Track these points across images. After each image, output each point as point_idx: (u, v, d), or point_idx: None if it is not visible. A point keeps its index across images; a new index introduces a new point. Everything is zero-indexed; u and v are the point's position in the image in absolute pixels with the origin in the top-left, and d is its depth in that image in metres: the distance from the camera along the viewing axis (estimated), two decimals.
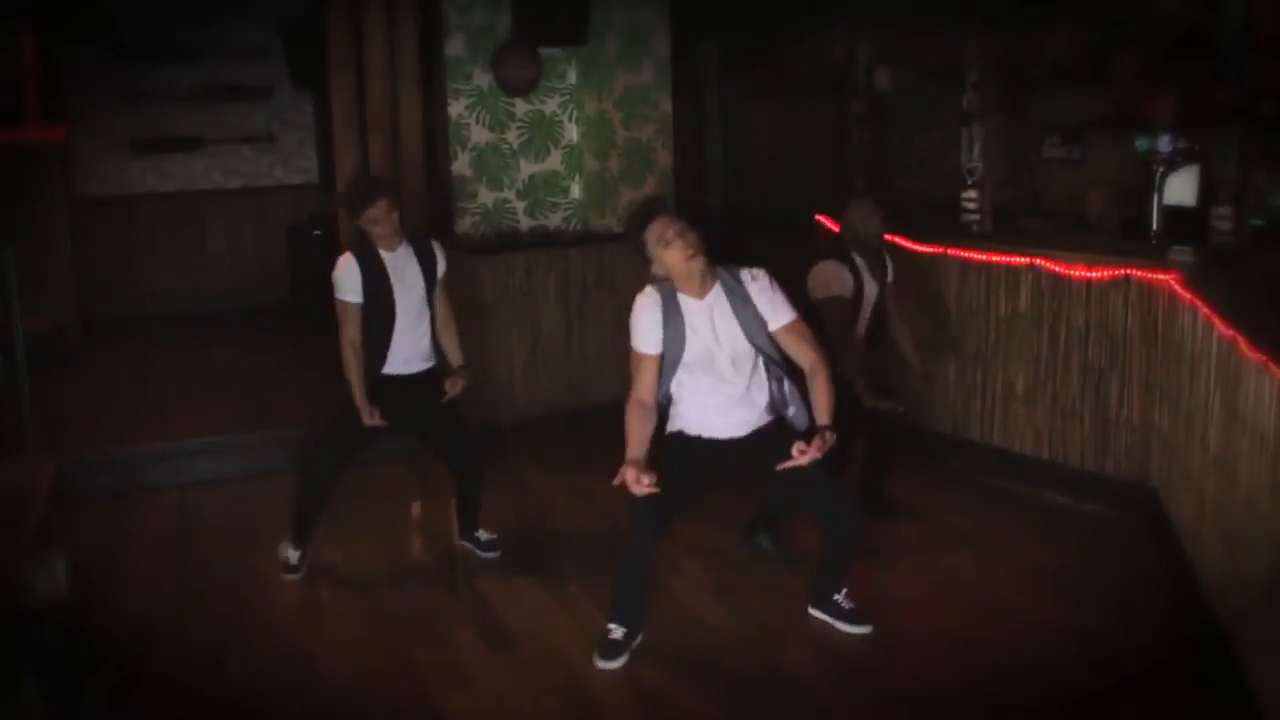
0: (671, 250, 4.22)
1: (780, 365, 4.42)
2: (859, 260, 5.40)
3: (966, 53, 6.61)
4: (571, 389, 7.44)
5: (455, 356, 5.33)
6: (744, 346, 4.32)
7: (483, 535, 5.55)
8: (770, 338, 4.34)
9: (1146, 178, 6.00)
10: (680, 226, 4.24)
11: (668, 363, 4.33)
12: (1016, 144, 7.62)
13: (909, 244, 6.66)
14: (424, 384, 5.23)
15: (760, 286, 4.34)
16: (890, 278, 5.59)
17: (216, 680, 4.40)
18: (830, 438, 4.22)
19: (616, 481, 4.11)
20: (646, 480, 4.08)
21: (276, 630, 4.78)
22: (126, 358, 8.99)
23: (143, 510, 6.16)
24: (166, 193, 10.70)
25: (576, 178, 7.80)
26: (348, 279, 5.00)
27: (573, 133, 7.75)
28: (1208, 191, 5.77)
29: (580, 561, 5.34)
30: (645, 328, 4.30)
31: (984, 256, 6.19)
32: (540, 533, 5.81)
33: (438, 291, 5.24)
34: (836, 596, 4.70)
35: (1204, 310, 4.66)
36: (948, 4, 7.69)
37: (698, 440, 4.44)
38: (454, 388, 5.21)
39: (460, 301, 7.20)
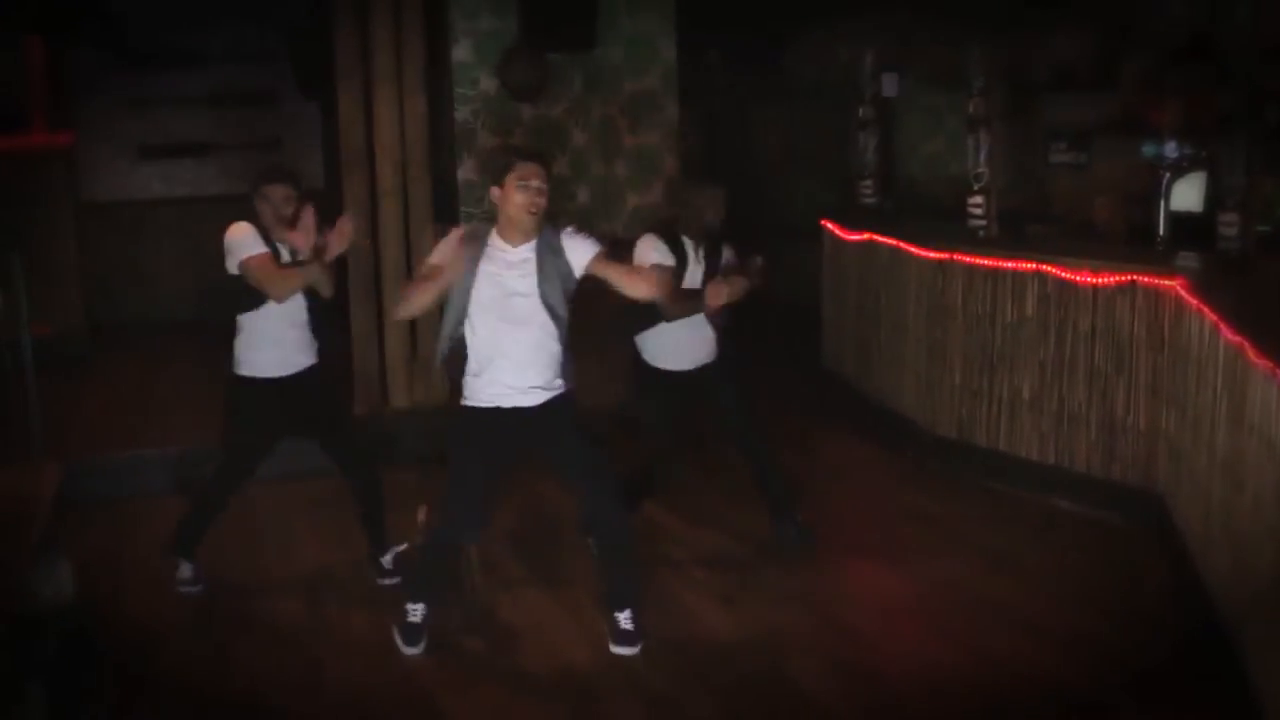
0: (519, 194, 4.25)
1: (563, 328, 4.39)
2: (687, 242, 5.24)
3: (972, 59, 6.60)
4: (577, 392, 7.41)
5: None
6: (534, 301, 4.31)
7: (386, 560, 5.29)
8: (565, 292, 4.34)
9: (1153, 183, 5.99)
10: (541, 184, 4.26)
11: (457, 304, 4.34)
12: (1022, 150, 7.63)
13: (915, 249, 6.66)
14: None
15: (569, 235, 4.39)
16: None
17: (221, 684, 4.40)
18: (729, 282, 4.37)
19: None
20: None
21: (280, 634, 4.78)
22: (132, 362, 9.00)
23: (148, 515, 6.16)
24: (173, 198, 10.72)
25: (583, 183, 7.80)
26: None
27: (579, 138, 7.76)
28: (1214, 197, 5.77)
29: (584, 565, 5.32)
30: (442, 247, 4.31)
31: (990, 262, 6.18)
32: (544, 537, 5.81)
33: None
34: (618, 615, 4.54)
35: (1210, 316, 4.65)
36: (953, 10, 7.70)
37: (491, 413, 4.37)
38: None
39: None
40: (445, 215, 7.57)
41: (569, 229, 4.42)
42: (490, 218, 4.49)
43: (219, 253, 4.87)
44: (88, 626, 4.24)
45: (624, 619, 4.53)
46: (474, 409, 4.39)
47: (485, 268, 4.30)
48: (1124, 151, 6.61)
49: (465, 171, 7.51)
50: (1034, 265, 5.97)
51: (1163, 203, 5.92)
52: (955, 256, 6.36)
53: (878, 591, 5.11)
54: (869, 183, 8.13)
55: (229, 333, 4.99)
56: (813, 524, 5.53)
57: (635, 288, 4.44)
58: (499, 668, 4.50)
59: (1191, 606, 4.68)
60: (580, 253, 4.34)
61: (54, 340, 8.17)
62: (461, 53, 7.43)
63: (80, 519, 5.67)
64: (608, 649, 4.58)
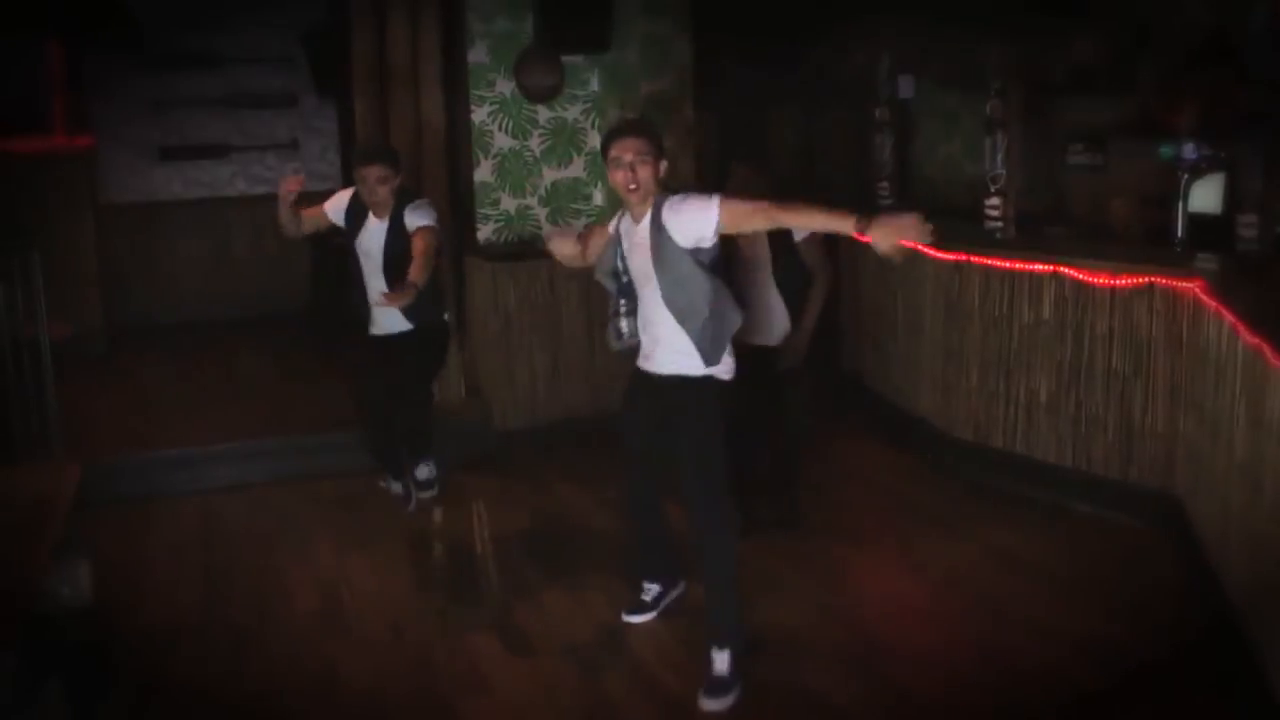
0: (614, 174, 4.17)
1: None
2: None
3: (989, 60, 6.58)
4: (593, 395, 7.44)
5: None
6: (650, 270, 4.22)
7: (421, 472, 6.22)
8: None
9: (1171, 185, 5.96)
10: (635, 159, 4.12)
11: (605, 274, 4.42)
12: (1039, 151, 7.58)
13: (931, 251, 6.64)
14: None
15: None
16: (800, 235, 5.34)
17: (237, 685, 4.42)
18: None
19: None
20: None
21: (297, 635, 4.80)
22: (150, 363, 9.04)
23: (165, 516, 6.20)
24: (191, 199, 10.77)
25: (599, 185, 7.80)
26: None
27: (595, 140, 7.76)
28: (1233, 198, 5.74)
29: (601, 567, 5.34)
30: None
31: (1007, 264, 6.16)
32: (562, 539, 5.82)
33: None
34: (713, 654, 4.22)
35: (1229, 318, 4.63)
36: (970, 12, 7.67)
37: (638, 375, 4.45)
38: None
39: (482, 308, 7.27)
40: (461, 217, 7.59)
41: (676, 198, 4.14)
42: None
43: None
44: (106, 627, 4.26)
45: (719, 660, 4.22)
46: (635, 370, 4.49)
47: (622, 247, 4.30)
48: (1142, 153, 6.56)
49: (482, 173, 7.52)
50: (1051, 267, 5.95)
51: (1181, 204, 5.89)
52: (972, 258, 6.34)
53: (891, 592, 5.10)
54: (885, 184, 8.11)
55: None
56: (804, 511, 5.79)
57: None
58: (513, 669, 4.50)
59: (1209, 608, 4.66)
60: (685, 221, 4.07)
61: (73, 341, 8.22)
62: (478, 54, 7.44)
63: (98, 519, 5.69)
64: (621, 649, 4.59)
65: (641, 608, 4.86)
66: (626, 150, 4.12)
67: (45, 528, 3.65)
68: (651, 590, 4.88)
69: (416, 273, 5.36)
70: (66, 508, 3.90)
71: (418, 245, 5.49)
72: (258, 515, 6.23)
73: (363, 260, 5.74)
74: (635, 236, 4.22)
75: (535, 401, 7.32)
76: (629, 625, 4.80)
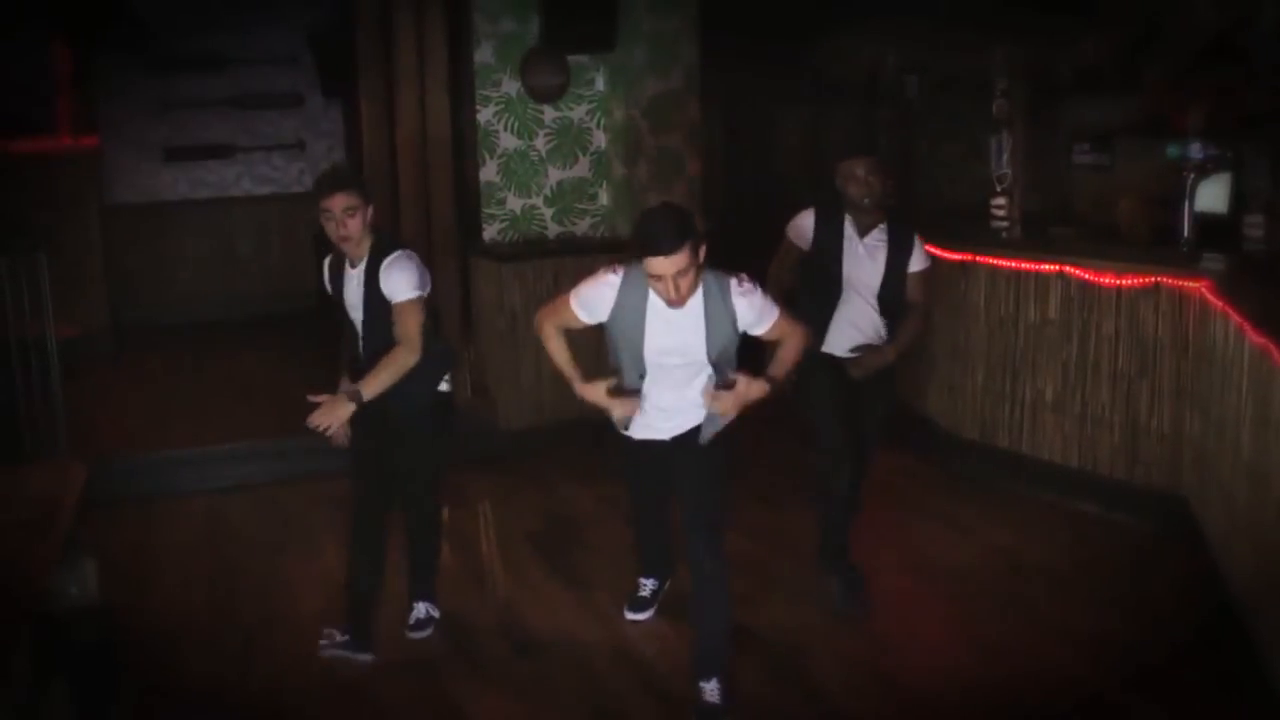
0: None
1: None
2: (849, 219, 5.00)
3: (995, 60, 6.58)
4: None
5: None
6: (700, 353, 3.99)
7: (419, 610, 4.84)
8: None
9: (1177, 184, 5.95)
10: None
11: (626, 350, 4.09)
12: (1046, 151, 7.58)
13: (938, 251, 6.64)
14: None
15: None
16: (918, 266, 4.97)
17: (242, 684, 4.43)
18: (756, 386, 3.94)
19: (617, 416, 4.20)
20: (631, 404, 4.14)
21: (302, 635, 4.79)
22: (157, 363, 9.06)
23: (172, 515, 6.21)
24: (198, 199, 10.80)
25: (604, 184, 7.81)
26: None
27: (601, 139, 7.77)
28: (1239, 198, 5.73)
29: (608, 569, 5.34)
30: (592, 300, 4.07)
31: (1013, 264, 6.16)
32: (568, 540, 5.82)
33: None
34: (703, 685, 4.08)
35: (1235, 318, 4.62)
36: (977, 12, 7.67)
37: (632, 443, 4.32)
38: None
39: (488, 308, 7.28)
40: (467, 216, 7.60)
41: (752, 293, 3.97)
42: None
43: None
44: (111, 625, 4.27)
45: (709, 689, 4.09)
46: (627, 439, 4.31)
47: (651, 316, 3.96)
48: (1148, 153, 6.56)
49: (487, 173, 7.53)
50: (1057, 267, 5.95)
51: (1187, 204, 5.88)
52: (978, 258, 6.34)
53: (896, 591, 5.09)
54: (891, 184, 8.11)
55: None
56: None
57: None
58: (519, 669, 4.51)
59: (1215, 609, 4.65)
60: (753, 316, 3.99)
61: (80, 341, 8.24)
62: (484, 54, 7.45)
63: (105, 518, 5.71)
64: (626, 650, 4.59)
65: (642, 604, 4.89)
66: (653, 268, 3.75)
67: (52, 527, 3.65)
68: (648, 585, 4.93)
69: (384, 370, 4.32)
70: (73, 507, 3.90)
71: (402, 325, 4.36)
72: (263, 515, 6.24)
73: (350, 314, 4.53)
74: (672, 315, 3.94)
75: (541, 401, 7.31)
76: (632, 623, 4.81)
